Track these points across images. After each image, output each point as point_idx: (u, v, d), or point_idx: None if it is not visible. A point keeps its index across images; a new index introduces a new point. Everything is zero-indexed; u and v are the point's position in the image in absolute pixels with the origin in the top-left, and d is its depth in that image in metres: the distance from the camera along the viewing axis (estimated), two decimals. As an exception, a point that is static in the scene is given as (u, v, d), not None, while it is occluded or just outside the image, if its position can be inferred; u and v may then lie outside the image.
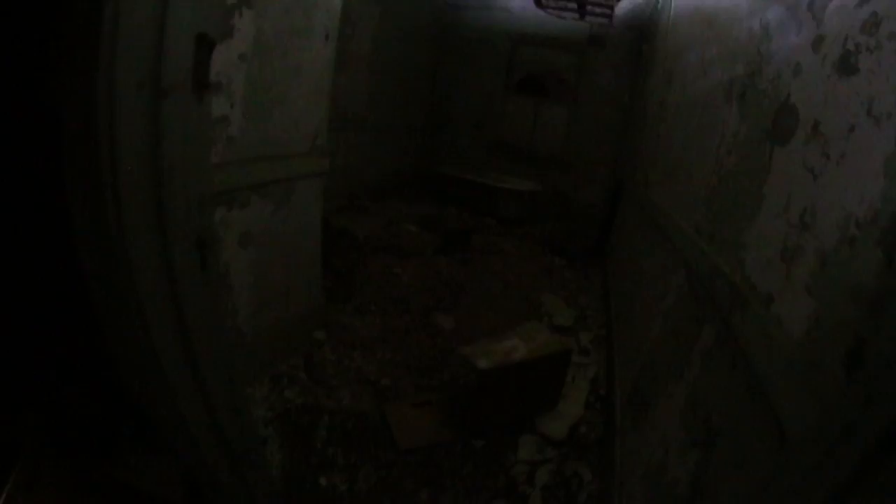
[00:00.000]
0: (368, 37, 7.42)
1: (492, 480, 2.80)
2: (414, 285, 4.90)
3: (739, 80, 2.29)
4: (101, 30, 1.18)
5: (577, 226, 8.17)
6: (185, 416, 1.65)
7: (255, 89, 2.66)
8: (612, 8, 7.70)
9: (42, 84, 1.49)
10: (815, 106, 1.50)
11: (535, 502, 2.71)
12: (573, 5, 7.97)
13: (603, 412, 3.46)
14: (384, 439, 2.91)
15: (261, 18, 2.58)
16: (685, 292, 2.47)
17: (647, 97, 6.01)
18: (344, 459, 2.74)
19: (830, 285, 1.25)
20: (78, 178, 1.37)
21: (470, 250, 6.19)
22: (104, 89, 1.23)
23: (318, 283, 3.80)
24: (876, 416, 0.96)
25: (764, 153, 1.80)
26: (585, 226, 8.31)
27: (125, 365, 1.68)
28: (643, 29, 8.04)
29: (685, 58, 3.81)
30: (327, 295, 4.21)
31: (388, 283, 4.84)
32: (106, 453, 1.95)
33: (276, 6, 2.69)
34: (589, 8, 7.90)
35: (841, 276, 1.22)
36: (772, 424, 1.31)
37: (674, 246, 2.86)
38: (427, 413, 3.11)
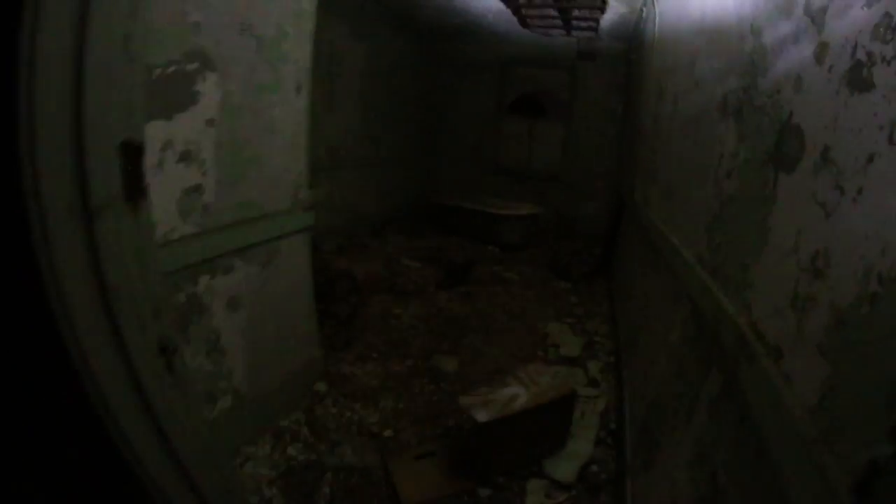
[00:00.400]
0: (356, 74, 7.40)
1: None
2: (415, 326, 4.75)
3: (734, 94, 2.09)
4: (19, 157, 1.12)
5: (580, 245, 8.04)
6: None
7: (227, 153, 2.57)
8: (597, 21, 7.63)
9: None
10: (823, 128, 1.28)
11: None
12: (558, 21, 7.92)
13: (614, 447, 3.28)
14: (389, 495, 2.78)
15: (226, 80, 2.50)
16: (690, 329, 2.30)
17: (640, 110, 5.88)
18: (349, 519, 2.63)
19: (847, 350, 1.06)
20: (25, 308, 1.31)
21: (472, 282, 6.05)
22: (35, 217, 1.17)
23: (315, 336, 3.68)
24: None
25: (768, 179, 1.59)
26: (589, 244, 8.19)
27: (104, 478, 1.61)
28: (631, 40, 7.97)
29: (675, 69, 3.66)
30: (327, 343, 4.10)
31: (389, 325, 4.70)
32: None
33: (242, 65, 2.60)
34: (574, 23, 7.85)
35: (860, 340, 1.02)
36: (780, 500, 1.15)
37: (677, 275, 2.70)
38: (431, 464, 2.96)
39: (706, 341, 2.01)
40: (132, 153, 1.33)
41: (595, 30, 8.13)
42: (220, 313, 2.68)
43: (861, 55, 1.12)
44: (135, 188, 1.35)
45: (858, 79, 1.13)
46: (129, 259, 1.37)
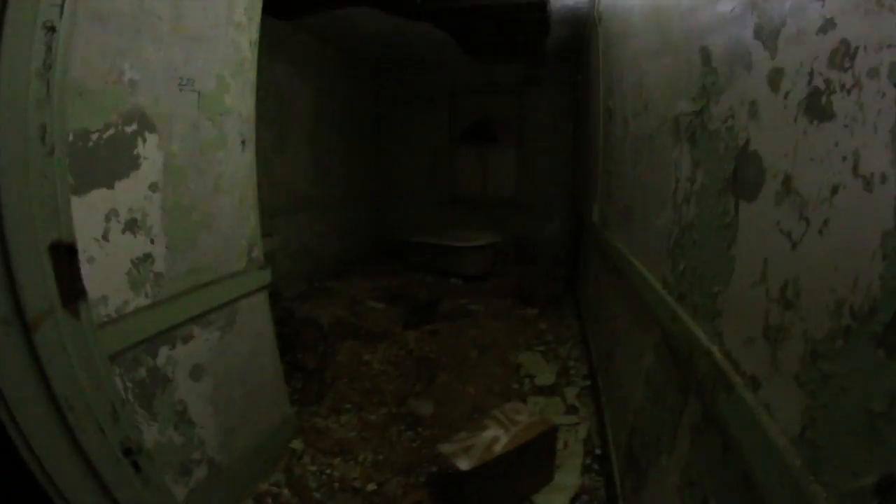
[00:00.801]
0: (305, 114, 7.37)
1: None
2: (386, 371, 4.66)
3: (686, 118, 2.07)
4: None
5: (543, 269, 8.06)
6: None
7: (174, 218, 2.48)
8: (541, 45, 7.76)
9: None
10: (782, 156, 1.26)
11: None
12: (503, 48, 8.04)
13: (601, 474, 3.25)
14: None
15: (168, 140, 2.41)
16: (664, 354, 2.27)
17: (591, 132, 5.94)
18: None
19: (824, 381, 1.04)
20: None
21: (439, 319, 5.97)
22: None
23: (285, 394, 3.57)
24: None
25: (728, 207, 1.58)
26: (551, 268, 8.22)
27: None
28: (576, 60, 8.08)
29: (623, 91, 3.70)
30: (298, 397, 4.00)
31: (360, 372, 4.60)
32: None
33: (183, 123, 2.52)
34: (519, 47, 7.97)
35: (836, 372, 1.00)
36: None
37: (643, 300, 2.69)
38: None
39: (681, 368, 1.98)
40: (64, 254, 1.25)
41: (540, 54, 8.25)
42: (184, 384, 2.58)
43: (818, 82, 1.10)
44: (72, 291, 1.27)
45: (817, 107, 1.11)
46: (77, 365, 1.29)
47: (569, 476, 3.21)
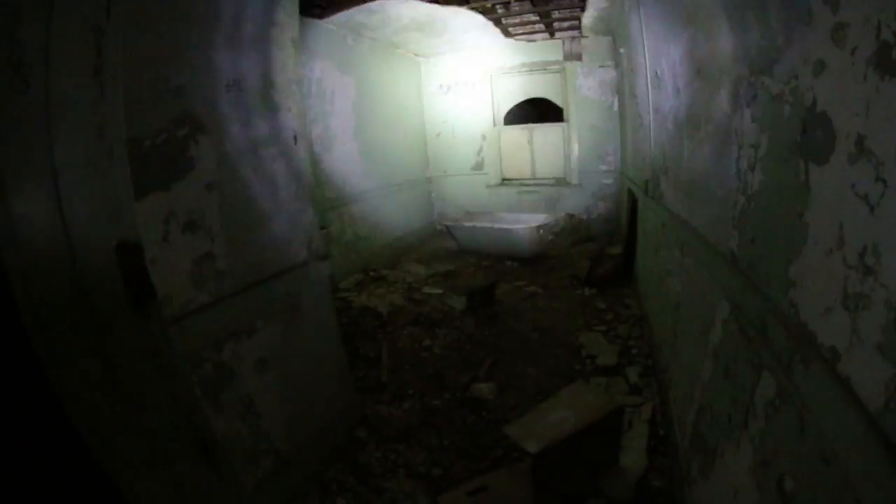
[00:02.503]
0: (349, 108, 7.41)
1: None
2: (447, 356, 4.68)
3: (745, 80, 1.99)
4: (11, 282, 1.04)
5: (598, 248, 7.94)
6: None
7: (232, 215, 2.53)
8: (578, 19, 7.61)
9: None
10: (853, 116, 1.18)
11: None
12: (540, 25, 7.91)
13: (666, 455, 3.20)
14: (446, 535, 2.70)
15: (219, 140, 2.45)
16: (733, 329, 2.20)
17: (637, 102, 5.81)
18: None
19: None
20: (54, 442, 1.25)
21: (496, 302, 5.97)
22: (41, 345, 1.09)
23: (349, 382, 3.62)
24: None
25: (798, 172, 1.50)
26: (607, 245, 8.09)
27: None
28: (616, 33, 7.90)
29: (671, 57, 3.59)
30: (361, 385, 4.04)
31: (421, 359, 4.64)
32: None
33: (234, 123, 2.56)
34: (556, 24, 7.83)
35: None
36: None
37: (709, 272, 2.62)
38: (485, 499, 2.87)
39: (752, 342, 1.91)
40: (130, 254, 1.25)
41: (578, 28, 8.09)
42: (250, 377, 2.64)
43: (887, 35, 1.03)
44: (141, 291, 1.27)
45: (888, 62, 1.04)
46: (150, 364, 1.30)
47: (634, 458, 3.16)
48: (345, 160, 7.28)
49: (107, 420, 1.24)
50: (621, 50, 7.57)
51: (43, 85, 1.07)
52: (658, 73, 4.18)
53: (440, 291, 6.40)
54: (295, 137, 3.02)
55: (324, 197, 6.36)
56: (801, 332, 1.46)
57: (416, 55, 9.61)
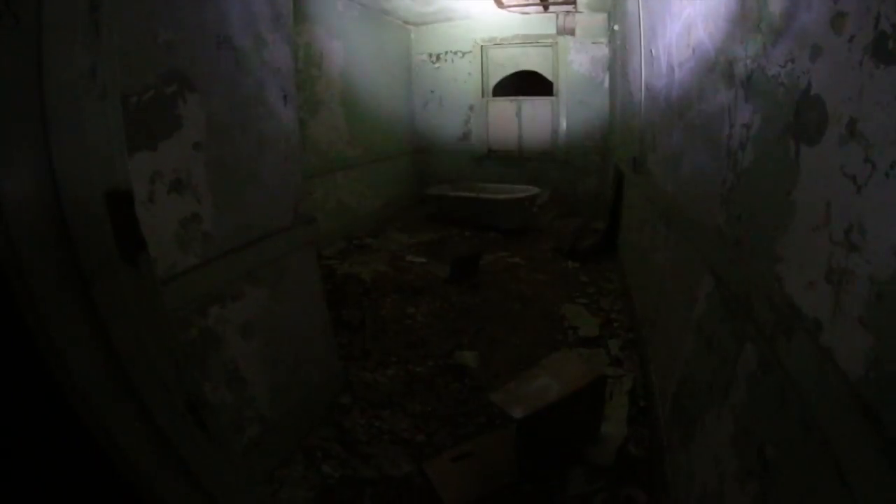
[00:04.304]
0: (336, 74, 7.33)
1: (547, 520, 2.67)
2: (431, 324, 4.73)
3: (741, 62, 2.03)
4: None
5: (582, 222, 7.99)
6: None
7: (219, 175, 2.49)
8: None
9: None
10: (846, 100, 1.24)
11: (594, 535, 2.58)
12: (535, -1, 7.87)
13: (647, 426, 3.29)
14: (432, 500, 2.76)
15: (208, 99, 2.40)
16: (717, 303, 2.26)
17: (630, 81, 5.81)
18: (396, 532, 2.61)
19: (890, 323, 1.04)
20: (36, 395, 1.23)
21: (480, 272, 6.01)
22: (24, 297, 1.07)
23: (333, 348, 3.64)
24: None
25: (788, 152, 1.56)
26: (590, 220, 8.14)
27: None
28: (611, 10, 7.87)
29: (666, 37, 3.60)
30: (345, 353, 4.06)
31: (404, 326, 4.67)
32: None
33: (223, 81, 2.51)
34: (551, -2, 7.79)
35: None
36: (835, 474, 1.13)
37: (694, 247, 2.66)
38: (469, 465, 2.94)
39: (736, 315, 1.98)
40: (121, 203, 1.22)
41: (573, 3, 8.04)
42: (235, 342, 2.63)
43: (885, 26, 1.08)
44: (130, 241, 1.24)
45: (884, 51, 1.09)
46: (139, 321, 1.28)
47: (615, 427, 3.25)
48: (330, 127, 7.22)
49: (92, 376, 1.23)
50: (615, 27, 7.55)
51: (34, 20, 1.03)
52: (652, 51, 4.18)
53: (424, 260, 6.43)
54: (285, 98, 2.98)
55: (308, 164, 6.33)
56: (786, 304, 1.51)
57: (406, 23, 9.50)
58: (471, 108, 9.83)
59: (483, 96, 9.76)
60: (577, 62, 9.00)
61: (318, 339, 3.42)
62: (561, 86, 9.20)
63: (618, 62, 7.25)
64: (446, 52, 9.75)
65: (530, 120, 9.60)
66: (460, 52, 9.65)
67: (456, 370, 3.96)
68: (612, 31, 7.93)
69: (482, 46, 9.52)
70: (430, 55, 9.87)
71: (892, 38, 1.06)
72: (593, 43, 8.78)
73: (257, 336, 2.78)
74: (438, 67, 9.88)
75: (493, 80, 9.73)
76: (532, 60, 9.40)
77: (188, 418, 1.47)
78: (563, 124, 9.31)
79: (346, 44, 7.55)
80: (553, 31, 8.93)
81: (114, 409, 1.26)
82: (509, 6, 8.34)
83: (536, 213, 8.27)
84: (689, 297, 2.71)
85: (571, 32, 8.84)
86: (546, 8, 8.48)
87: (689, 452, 2.34)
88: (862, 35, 1.17)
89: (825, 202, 1.33)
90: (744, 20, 2.01)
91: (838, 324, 1.23)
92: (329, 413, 3.42)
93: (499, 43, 9.41)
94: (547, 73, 9.33)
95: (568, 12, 8.58)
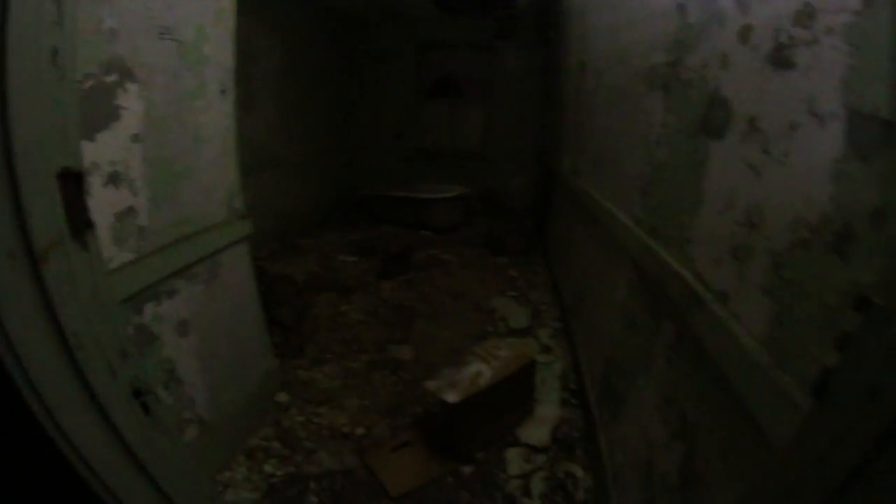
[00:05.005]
0: (273, 70, 7.20)
1: (490, 502, 2.76)
2: (364, 321, 4.77)
3: (661, 68, 2.24)
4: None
5: (512, 220, 8.17)
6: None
7: (157, 169, 2.45)
8: (513, 0, 7.74)
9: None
10: (749, 100, 1.45)
11: (538, 511, 2.71)
12: (476, 3, 7.97)
13: (579, 406, 3.46)
14: (375, 491, 2.81)
15: (148, 90, 2.35)
16: (637, 286, 2.44)
17: (562, 85, 6.01)
18: (342, 525, 2.65)
19: (787, 288, 1.22)
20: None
21: (412, 269, 6.09)
22: None
23: (269, 346, 3.62)
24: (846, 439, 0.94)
25: (698, 147, 1.76)
26: (520, 218, 8.33)
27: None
28: (549, 17, 8.07)
29: (598, 45, 3.79)
30: (280, 352, 4.05)
31: (338, 323, 4.70)
32: None
33: (163, 73, 2.47)
34: (490, 2, 7.91)
35: (797, 278, 1.18)
36: (749, 421, 1.29)
37: (615, 238, 2.83)
38: (409, 454, 3.01)
39: (654, 295, 2.15)
40: (72, 183, 1.23)
41: (513, 8, 8.20)
42: (171, 341, 2.57)
43: (784, 38, 1.29)
44: (80, 220, 1.26)
45: (781, 58, 1.30)
46: (87, 300, 1.28)
47: (549, 409, 3.41)
48: (265, 125, 7.08)
49: (42, 356, 1.23)
50: (551, 33, 7.76)
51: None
52: (584, 58, 4.37)
53: (356, 259, 6.45)
54: (223, 92, 2.96)
55: (241, 162, 6.23)
56: (697, 281, 1.68)
57: (346, 20, 9.42)
58: (406, 107, 9.86)
59: (419, 97, 9.83)
60: (513, 66, 9.18)
61: (253, 338, 3.39)
62: (495, 89, 9.38)
63: (553, 68, 7.47)
64: (385, 53, 9.74)
65: (464, 121, 9.73)
66: (399, 52, 9.67)
67: (391, 363, 4.02)
68: (548, 38, 8.13)
69: (420, 47, 9.58)
70: (369, 54, 9.83)
71: (787, 48, 1.27)
72: (529, 48, 8.98)
73: (193, 334, 2.74)
74: (377, 68, 9.86)
75: (430, 81, 9.78)
76: (469, 63, 9.53)
77: (133, 403, 1.48)
78: (496, 126, 9.50)
79: (284, 40, 7.42)
80: (491, 35, 9.11)
81: (57, 389, 1.26)
82: (449, 9, 8.42)
83: (467, 212, 8.40)
84: (612, 284, 2.89)
85: (509, 37, 9.03)
86: (486, 12, 8.61)
87: (620, 425, 2.51)
88: (764, 45, 1.38)
89: (729, 189, 1.52)
90: (665, 30, 2.22)
91: (743, 293, 1.42)
92: (268, 412, 3.41)
93: (437, 45, 9.51)
94: (483, 75, 9.48)
95: (507, 17, 8.75)
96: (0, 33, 1.05)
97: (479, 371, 2.98)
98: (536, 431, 3.19)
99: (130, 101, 2.25)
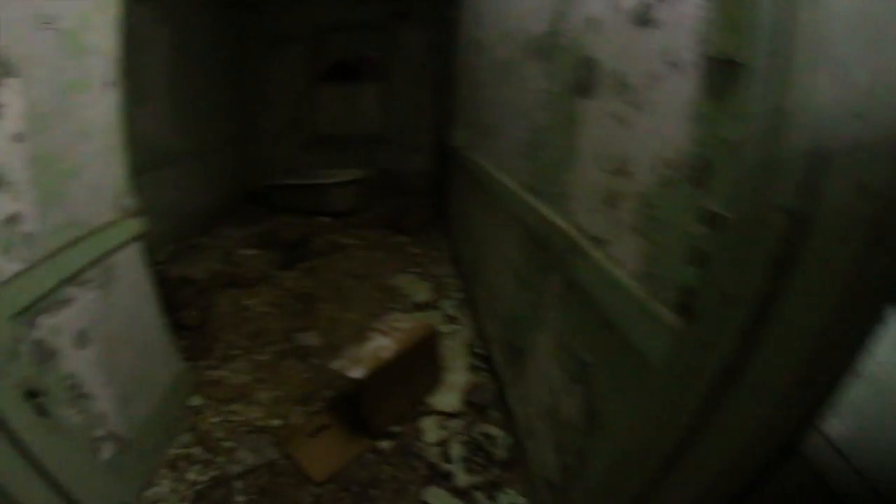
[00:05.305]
0: (164, 61, 6.81)
1: (413, 473, 2.85)
2: (269, 312, 4.72)
3: (542, 38, 2.35)
4: None
5: (412, 199, 8.23)
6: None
7: (42, 169, 2.28)
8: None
9: None
10: (615, 58, 1.57)
11: (459, 475, 2.82)
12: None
13: (488, 370, 3.59)
14: (300, 479, 2.83)
15: (31, 85, 2.19)
16: (528, 246, 2.56)
17: (458, 62, 6.09)
18: (273, 516, 2.67)
19: (654, 224, 1.36)
20: None
21: (313, 256, 6.06)
22: None
23: (174, 350, 3.49)
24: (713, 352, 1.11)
25: (573, 107, 1.88)
26: (420, 197, 8.41)
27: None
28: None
29: (489, 21, 3.86)
30: (188, 354, 3.93)
31: (243, 318, 4.62)
32: None
33: (46, 65, 2.30)
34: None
35: (663, 215, 1.32)
36: (634, 353, 1.42)
37: (504, 203, 2.97)
38: (327, 437, 3.05)
39: (542, 252, 2.28)
40: None
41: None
42: (72, 354, 2.40)
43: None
44: None
45: (645, 17, 1.42)
46: None
47: (458, 376, 3.55)
48: (157, 119, 6.68)
49: None
50: (452, 13, 7.81)
51: None
52: (477, 35, 4.46)
53: (256, 252, 6.36)
54: (108, 84, 2.78)
55: (134, 161, 5.92)
56: (578, 231, 1.82)
57: (239, 6, 9.04)
58: (302, 93, 9.62)
59: (315, 81, 9.62)
60: (411, 46, 9.17)
61: (157, 343, 3.28)
62: (393, 70, 9.35)
63: (453, 46, 7.53)
64: (280, 37, 9.40)
65: (361, 104, 9.65)
66: (293, 36, 9.39)
67: (299, 352, 4.02)
68: (449, 16, 8.17)
69: (316, 30, 9.33)
70: (263, 40, 9.48)
71: (649, 7, 1.40)
72: (428, 28, 8.97)
73: (94, 344, 2.57)
74: (271, 53, 9.55)
75: (326, 64, 9.59)
76: (366, 45, 9.37)
77: (26, 404, 1.44)
78: (394, 107, 9.49)
79: (174, 28, 6.98)
80: (388, 16, 9.03)
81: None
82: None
83: (367, 195, 8.39)
84: (505, 248, 3.03)
85: (407, 17, 9.00)
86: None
87: (526, 380, 2.65)
88: (629, 5, 1.51)
89: (601, 142, 1.65)
90: (546, 2, 2.32)
91: (618, 236, 1.55)
92: (183, 418, 3.33)
93: (333, 27, 9.31)
94: (379, 58, 9.38)
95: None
96: None
97: (383, 345, 3.04)
98: (448, 398, 3.30)
99: (12, 98, 2.09)
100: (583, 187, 1.81)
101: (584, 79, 1.79)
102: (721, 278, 1.09)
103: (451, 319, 4.32)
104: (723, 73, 1.11)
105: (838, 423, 2.17)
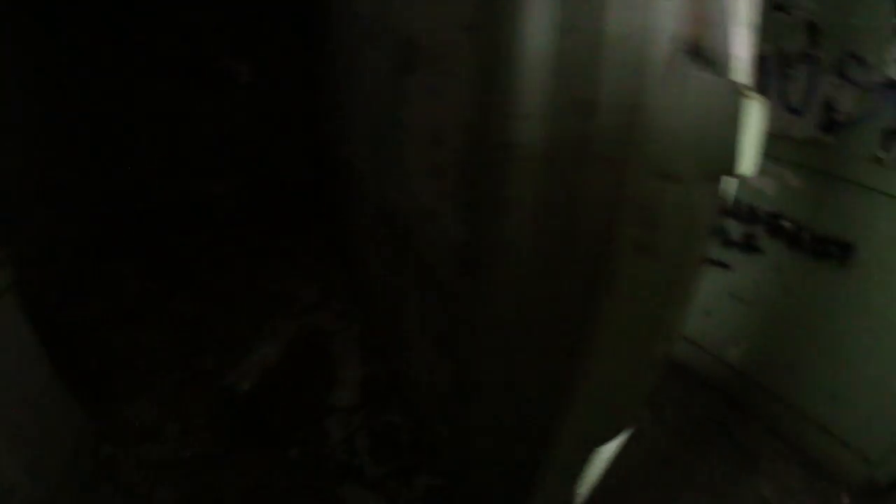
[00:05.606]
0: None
1: (325, 473, 2.88)
2: (163, 340, 4.50)
3: (378, 23, 2.31)
4: None
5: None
6: None
7: None
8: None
9: None
10: (431, 35, 1.62)
11: (369, 468, 2.90)
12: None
13: (379, 361, 3.65)
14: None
15: None
16: (383, 230, 2.64)
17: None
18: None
19: (471, 181, 1.46)
20: None
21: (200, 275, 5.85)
22: None
23: (73, 401, 3.21)
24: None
25: (399, 85, 1.93)
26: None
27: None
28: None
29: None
30: (90, 404, 3.71)
31: (139, 351, 4.39)
32: None
33: None
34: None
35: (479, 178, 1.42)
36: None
37: (367, 192, 3.03)
38: (239, 456, 3.03)
39: (392, 233, 2.39)
40: None
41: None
42: None
43: None
44: None
45: None
46: None
47: (351, 371, 3.58)
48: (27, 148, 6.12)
49: None
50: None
51: None
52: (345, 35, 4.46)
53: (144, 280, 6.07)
54: None
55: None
56: (413, 205, 1.92)
57: None
58: None
59: None
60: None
61: (53, 397, 2.97)
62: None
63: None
64: None
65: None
66: None
67: (199, 377, 3.91)
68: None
69: None
70: None
71: None
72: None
73: None
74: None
75: None
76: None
77: None
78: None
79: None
80: None
81: None
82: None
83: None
84: (370, 236, 3.10)
85: None
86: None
87: (409, 357, 2.74)
88: None
89: (422, 114, 1.74)
90: None
91: (444, 203, 1.66)
92: (98, 470, 3.14)
93: None
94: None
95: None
96: None
97: (266, 353, 3.11)
98: (345, 393, 3.34)
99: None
100: (412, 160, 1.91)
101: (407, 58, 1.84)
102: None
103: (341, 316, 4.35)
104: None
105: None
